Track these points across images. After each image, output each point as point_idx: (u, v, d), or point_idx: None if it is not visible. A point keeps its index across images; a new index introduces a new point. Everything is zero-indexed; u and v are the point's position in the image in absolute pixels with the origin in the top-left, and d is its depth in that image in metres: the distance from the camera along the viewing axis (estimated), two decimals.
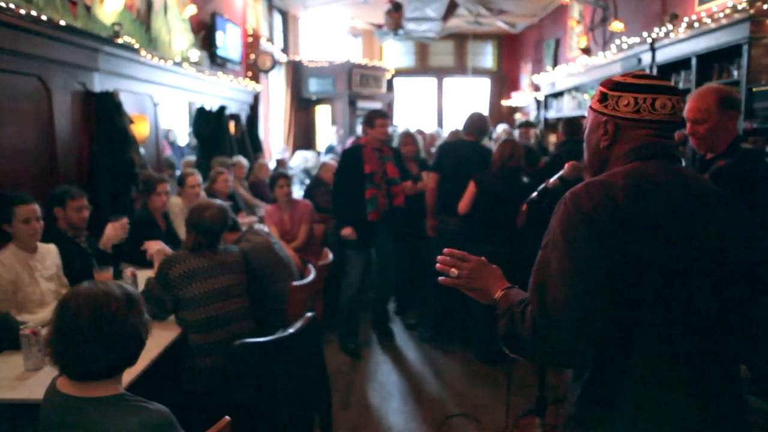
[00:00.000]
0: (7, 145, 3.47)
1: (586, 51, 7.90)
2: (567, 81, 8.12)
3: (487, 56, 13.41)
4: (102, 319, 1.36)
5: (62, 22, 3.70)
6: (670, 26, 5.10)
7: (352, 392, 3.63)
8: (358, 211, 4.01)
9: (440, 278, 1.45)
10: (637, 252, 1.15)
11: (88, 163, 4.25)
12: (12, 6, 3.25)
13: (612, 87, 1.29)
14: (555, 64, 9.58)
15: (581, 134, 1.46)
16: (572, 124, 4.52)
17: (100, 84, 4.39)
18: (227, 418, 1.56)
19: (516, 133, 6.36)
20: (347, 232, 4.04)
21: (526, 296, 1.25)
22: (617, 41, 6.29)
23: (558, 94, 8.68)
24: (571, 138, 4.40)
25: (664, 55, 5.28)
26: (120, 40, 4.53)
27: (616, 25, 6.87)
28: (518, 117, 11.65)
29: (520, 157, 3.84)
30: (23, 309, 2.68)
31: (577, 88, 7.88)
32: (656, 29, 5.32)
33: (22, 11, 3.33)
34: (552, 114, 8.96)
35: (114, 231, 3.19)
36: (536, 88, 10.09)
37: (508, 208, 3.64)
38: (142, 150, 4.66)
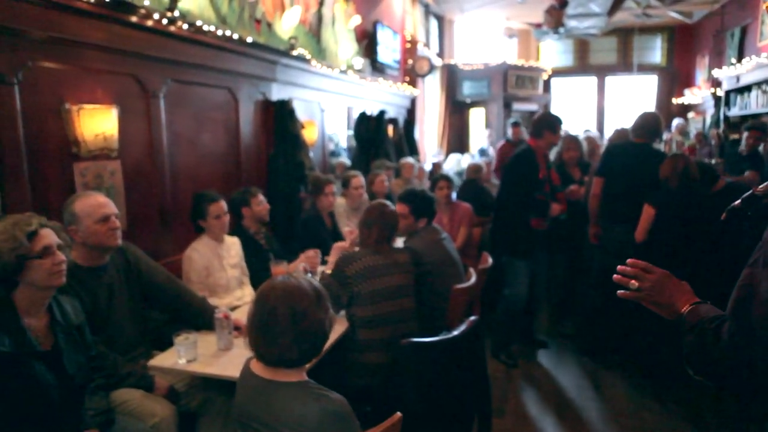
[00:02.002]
0: (203, 150, 3.96)
1: None
2: (756, 74, 7.19)
3: (655, 51, 12.32)
4: (296, 314, 1.49)
5: (249, 39, 4.12)
6: None
7: (508, 400, 3.56)
8: (526, 217, 3.82)
9: (619, 292, 1.36)
10: None
11: (266, 165, 4.68)
12: (212, 28, 3.70)
13: None
14: (740, 55, 8.53)
15: None
16: None
17: (277, 93, 4.82)
18: (399, 414, 1.62)
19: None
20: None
21: (720, 313, 1.14)
22: None
23: (743, 90, 7.72)
24: None
25: None
26: (295, 52, 4.93)
27: None
28: (691, 116, 10.57)
29: (695, 171, 3.48)
30: (213, 293, 3.04)
31: None
32: None
33: (219, 32, 3.76)
34: (735, 112, 8.00)
35: (307, 259, 3.33)
36: (715, 84, 9.07)
37: (691, 229, 3.36)
38: (311, 153, 5.02)
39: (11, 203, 2.55)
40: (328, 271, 2.75)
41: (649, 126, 3.92)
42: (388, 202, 2.83)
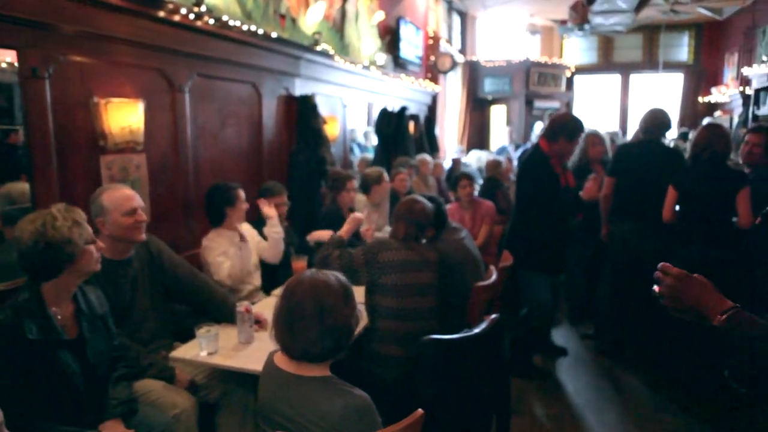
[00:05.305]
0: (226, 144, 4.00)
1: None
2: None
3: (681, 48, 12.09)
4: (323, 310, 1.49)
5: (273, 35, 4.14)
6: None
7: (524, 400, 3.54)
8: (549, 232, 3.55)
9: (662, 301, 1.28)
10: None
11: (288, 160, 4.70)
12: (238, 23, 3.72)
13: None
14: None
15: None
16: None
17: (300, 88, 4.83)
18: (421, 411, 1.61)
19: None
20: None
21: (762, 322, 1.10)
22: None
23: None
24: None
25: None
26: (318, 48, 4.94)
27: None
28: (718, 115, 10.36)
29: (719, 144, 3.34)
30: (239, 278, 3.05)
31: None
32: None
33: (245, 27, 3.79)
34: (765, 111, 7.81)
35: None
36: (745, 82, 8.87)
37: (710, 205, 3.30)
38: (332, 149, 5.03)
39: (39, 195, 2.60)
40: (341, 234, 2.73)
41: (658, 122, 3.87)
42: (419, 198, 2.81)
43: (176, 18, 3.25)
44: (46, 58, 2.60)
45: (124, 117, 3.00)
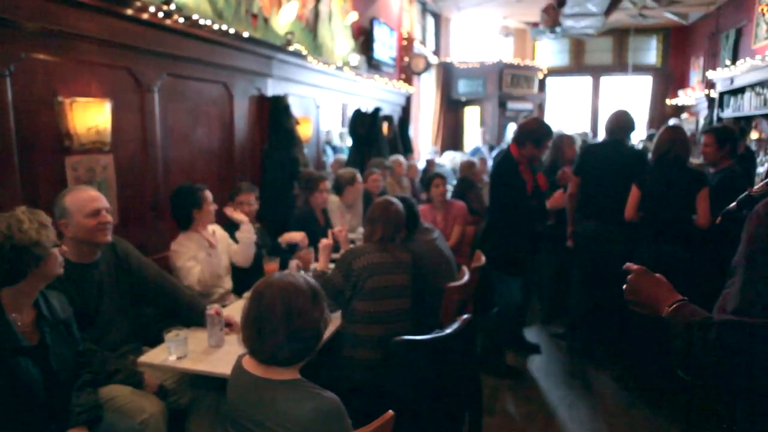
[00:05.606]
0: (197, 145, 3.94)
1: None
2: (750, 76, 7.22)
3: (650, 52, 12.36)
4: (291, 313, 1.47)
5: (245, 34, 4.10)
6: None
7: (497, 399, 3.57)
8: (518, 236, 3.64)
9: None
10: None
11: (260, 161, 4.66)
12: (208, 22, 3.68)
13: None
14: (734, 57, 8.57)
15: None
16: None
17: (272, 89, 4.79)
18: (391, 412, 1.61)
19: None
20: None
21: (705, 314, 1.14)
22: None
23: (737, 91, 7.76)
24: None
25: None
26: (291, 48, 4.90)
27: None
28: (684, 117, 10.62)
29: (682, 146, 3.45)
30: (209, 283, 3.00)
31: (763, 84, 6.97)
32: None
33: (216, 26, 3.74)
34: (728, 113, 8.03)
35: (300, 258, 3.36)
36: (709, 86, 9.11)
37: (672, 205, 3.39)
38: (305, 150, 5.00)
39: (1, 197, 2.53)
40: (320, 268, 2.74)
41: (621, 124, 3.97)
42: (393, 200, 2.81)
43: (144, 16, 3.19)
44: (7, 55, 2.53)
45: (91, 117, 2.94)
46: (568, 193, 4.02)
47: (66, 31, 2.78)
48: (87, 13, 2.86)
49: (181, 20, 3.46)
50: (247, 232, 3.22)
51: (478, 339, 4.09)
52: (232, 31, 3.93)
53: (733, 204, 1.93)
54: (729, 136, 3.69)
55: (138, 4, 3.11)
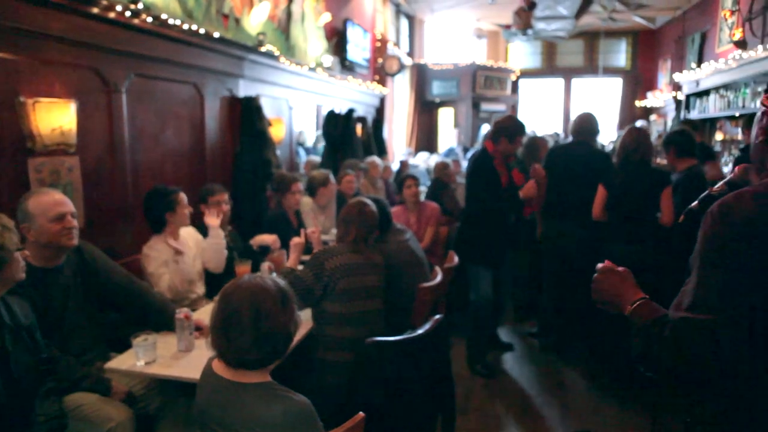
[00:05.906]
0: (167, 147, 3.88)
1: (741, 44, 7.12)
2: (714, 79, 7.41)
3: (620, 54, 12.63)
4: (259, 315, 1.45)
5: (216, 34, 4.05)
6: None
7: (472, 398, 3.59)
8: (492, 227, 3.73)
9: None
10: None
11: (232, 163, 4.61)
12: (178, 22, 3.62)
13: None
14: (700, 60, 8.79)
15: None
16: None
17: (244, 90, 4.75)
18: (362, 414, 1.61)
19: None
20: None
21: (663, 312, 1.17)
22: None
23: (703, 93, 7.96)
24: None
25: None
26: (263, 49, 4.86)
27: None
28: (653, 118, 10.86)
29: (647, 147, 3.53)
30: (180, 289, 2.95)
31: (726, 86, 7.16)
32: None
33: (185, 26, 3.69)
34: (695, 115, 8.24)
35: (272, 260, 3.32)
36: (676, 88, 9.32)
37: (638, 205, 3.47)
38: (278, 151, 4.96)
39: None
40: (289, 266, 2.71)
41: (585, 125, 4.07)
42: (368, 201, 2.80)
43: (111, 15, 3.13)
44: None
45: (55, 117, 2.87)
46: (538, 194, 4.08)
47: (28, 29, 2.70)
48: (50, 11, 2.79)
49: (150, 20, 3.39)
50: (216, 238, 3.17)
51: (458, 338, 4.12)
52: (202, 31, 3.88)
53: (695, 203, 1.99)
54: (670, 140, 3.78)
55: (104, 2, 3.04)
